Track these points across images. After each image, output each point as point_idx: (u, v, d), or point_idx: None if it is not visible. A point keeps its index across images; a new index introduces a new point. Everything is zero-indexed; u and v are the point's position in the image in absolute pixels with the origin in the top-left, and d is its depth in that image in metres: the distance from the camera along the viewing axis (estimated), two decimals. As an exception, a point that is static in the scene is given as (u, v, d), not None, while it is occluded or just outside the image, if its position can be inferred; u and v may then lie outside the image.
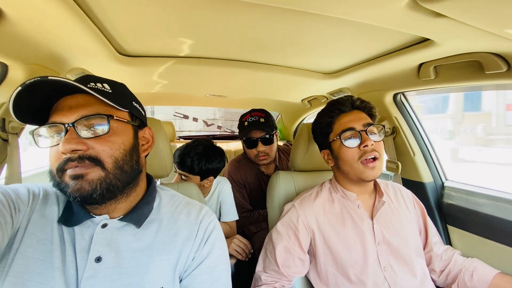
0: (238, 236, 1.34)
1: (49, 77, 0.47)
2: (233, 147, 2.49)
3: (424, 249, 0.96)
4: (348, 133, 0.84)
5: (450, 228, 1.16)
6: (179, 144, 2.63)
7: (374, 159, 0.82)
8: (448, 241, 1.16)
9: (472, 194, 1.08)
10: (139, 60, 1.07)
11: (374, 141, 0.82)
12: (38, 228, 0.53)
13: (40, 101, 0.53)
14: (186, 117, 2.86)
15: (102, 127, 0.52)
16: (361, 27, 0.75)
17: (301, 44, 0.95)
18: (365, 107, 0.89)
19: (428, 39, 0.79)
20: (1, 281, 0.47)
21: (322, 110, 0.94)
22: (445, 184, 1.24)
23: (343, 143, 0.83)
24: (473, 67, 0.85)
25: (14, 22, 0.64)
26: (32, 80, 0.46)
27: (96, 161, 0.51)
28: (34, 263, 0.49)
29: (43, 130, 0.54)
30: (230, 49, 1.03)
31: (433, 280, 0.92)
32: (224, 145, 2.26)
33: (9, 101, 0.49)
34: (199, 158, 1.23)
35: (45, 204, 0.56)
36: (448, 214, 1.17)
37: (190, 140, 1.35)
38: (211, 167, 1.26)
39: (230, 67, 1.18)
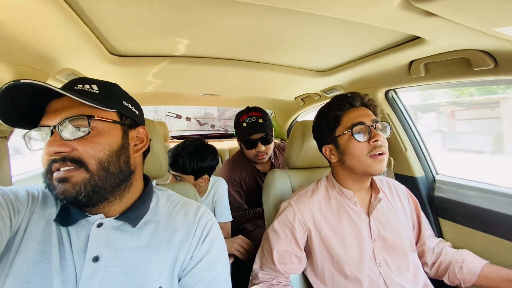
0: (241, 236, 1.34)
1: (21, 81, 0.46)
2: (227, 145, 2.48)
3: (417, 243, 0.98)
4: (358, 127, 0.84)
5: (442, 221, 1.19)
6: (172, 144, 2.62)
7: (381, 154, 0.83)
8: (439, 233, 1.19)
9: (462, 187, 1.11)
10: (131, 60, 1.06)
11: (383, 137, 0.84)
12: (37, 230, 0.53)
13: (28, 105, 0.52)
14: (179, 116, 2.83)
15: (84, 128, 0.52)
16: (353, 26, 0.76)
17: (294, 43, 0.96)
18: (372, 105, 0.90)
19: (418, 37, 0.80)
20: (1, 282, 0.47)
21: (329, 104, 0.92)
22: (436, 178, 1.27)
23: (354, 136, 0.83)
24: (462, 64, 0.87)
25: (1, 22, 0.61)
26: (5, 86, 0.46)
27: (79, 163, 0.50)
28: (33, 265, 0.49)
29: (35, 133, 0.54)
30: (223, 47, 1.03)
31: (426, 273, 0.94)
32: (218, 144, 2.25)
33: None
34: (190, 158, 1.23)
35: (44, 206, 0.56)
36: (439, 207, 1.20)
37: (182, 140, 1.34)
38: (203, 166, 1.26)
39: (223, 66, 1.18)
